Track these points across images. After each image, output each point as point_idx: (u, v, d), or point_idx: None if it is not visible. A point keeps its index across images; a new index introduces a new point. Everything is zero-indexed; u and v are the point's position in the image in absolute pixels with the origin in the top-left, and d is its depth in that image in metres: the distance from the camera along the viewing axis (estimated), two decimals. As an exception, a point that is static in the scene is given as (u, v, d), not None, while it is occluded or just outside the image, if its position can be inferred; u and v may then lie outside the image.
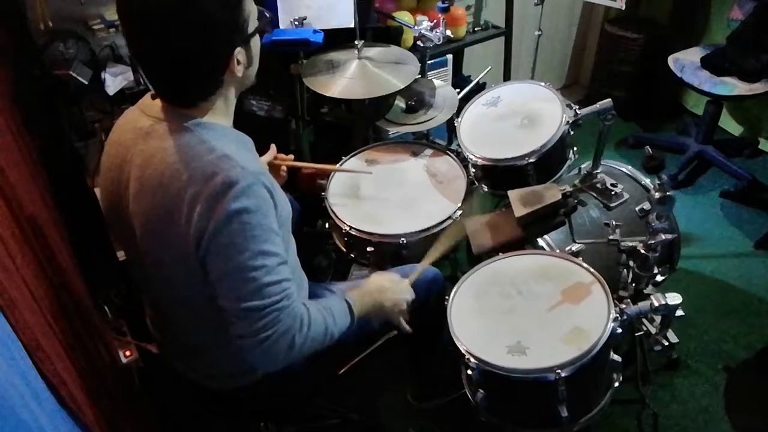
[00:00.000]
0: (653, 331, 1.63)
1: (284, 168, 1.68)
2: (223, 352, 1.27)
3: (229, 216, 1.03)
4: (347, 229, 1.74)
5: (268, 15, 1.17)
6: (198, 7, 1.02)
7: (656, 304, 1.32)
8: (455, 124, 1.92)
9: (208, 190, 1.04)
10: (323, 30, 2.01)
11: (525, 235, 1.59)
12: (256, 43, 1.16)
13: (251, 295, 1.07)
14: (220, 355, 1.29)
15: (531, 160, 1.71)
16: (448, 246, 1.59)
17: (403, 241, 1.69)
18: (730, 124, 3.19)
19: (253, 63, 1.18)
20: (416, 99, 2.10)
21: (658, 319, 1.57)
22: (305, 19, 2.04)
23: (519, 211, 1.55)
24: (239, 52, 1.10)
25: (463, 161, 1.89)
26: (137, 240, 1.17)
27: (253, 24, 1.12)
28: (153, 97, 1.16)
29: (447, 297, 1.49)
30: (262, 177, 1.09)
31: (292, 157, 1.69)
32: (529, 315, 1.41)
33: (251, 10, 1.11)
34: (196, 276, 1.11)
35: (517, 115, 1.85)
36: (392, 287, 1.39)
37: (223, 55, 1.09)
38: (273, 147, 1.66)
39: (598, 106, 1.68)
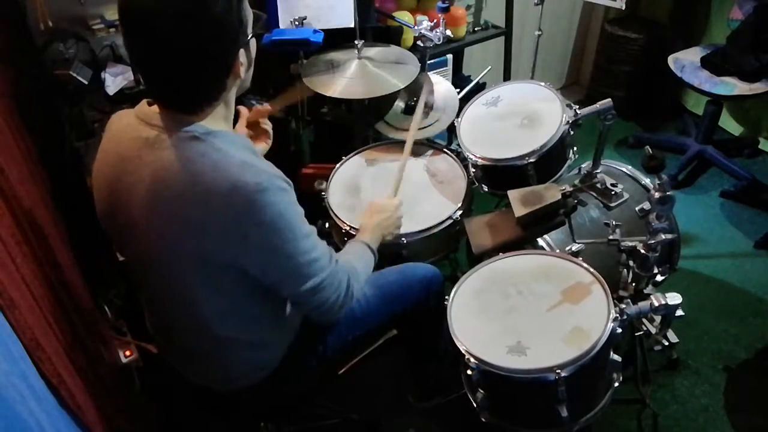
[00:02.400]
0: (653, 331, 1.63)
1: (267, 125, 1.57)
2: (223, 356, 1.27)
3: (270, 219, 1.07)
4: (347, 229, 1.74)
5: (263, 16, 1.17)
6: (208, 9, 1.01)
7: (656, 304, 1.32)
8: (455, 124, 1.92)
9: (240, 199, 1.04)
10: (323, 30, 2.01)
11: (525, 235, 1.59)
12: (253, 44, 1.17)
13: (308, 276, 1.17)
14: (219, 359, 1.29)
15: (531, 160, 1.71)
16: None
17: (403, 241, 1.68)
18: (730, 124, 3.19)
19: (252, 65, 1.18)
20: (416, 99, 2.10)
21: (658, 319, 1.57)
22: (305, 19, 2.04)
23: (519, 211, 1.55)
24: (242, 54, 1.10)
25: (463, 161, 1.89)
26: (142, 248, 1.16)
27: (251, 26, 1.13)
28: (149, 104, 1.14)
29: (447, 297, 1.49)
30: (282, 176, 1.12)
31: (267, 107, 1.58)
32: (529, 315, 1.41)
33: (249, 12, 1.12)
34: (209, 284, 1.13)
35: (517, 115, 1.85)
36: (386, 215, 1.58)
37: (230, 58, 1.08)
38: (242, 109, 1.51)
39: (598, 106, 1.67)
